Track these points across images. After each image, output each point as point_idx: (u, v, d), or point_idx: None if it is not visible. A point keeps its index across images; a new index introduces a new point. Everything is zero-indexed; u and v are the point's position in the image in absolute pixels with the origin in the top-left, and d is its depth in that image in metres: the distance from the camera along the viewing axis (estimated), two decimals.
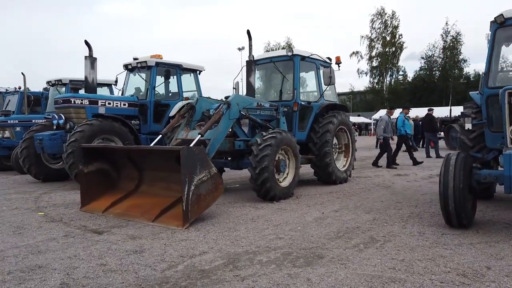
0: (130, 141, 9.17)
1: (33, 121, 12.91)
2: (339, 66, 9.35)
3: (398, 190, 8.05)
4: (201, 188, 5.38)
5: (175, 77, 11.52)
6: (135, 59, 11.10)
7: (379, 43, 60.89)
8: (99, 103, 9.92)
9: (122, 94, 11.33)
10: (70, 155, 8.42)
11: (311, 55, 8.88)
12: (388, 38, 60.41)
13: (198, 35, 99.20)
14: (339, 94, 15.90)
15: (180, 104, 11.18)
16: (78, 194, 8.02)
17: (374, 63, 61.74)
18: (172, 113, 11.03)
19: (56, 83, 13.35)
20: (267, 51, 61.09)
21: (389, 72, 63.02)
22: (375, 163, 13.02)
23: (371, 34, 60.83)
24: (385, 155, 12.85)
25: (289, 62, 8.70)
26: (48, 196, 7.97)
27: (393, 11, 60.14)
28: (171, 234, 4.87)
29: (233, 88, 10.04)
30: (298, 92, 8.47)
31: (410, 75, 65.25)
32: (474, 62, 65.61)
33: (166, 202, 5.87)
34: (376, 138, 21.25)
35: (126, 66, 11.34)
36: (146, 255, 4.06)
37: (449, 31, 58.07)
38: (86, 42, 9.74)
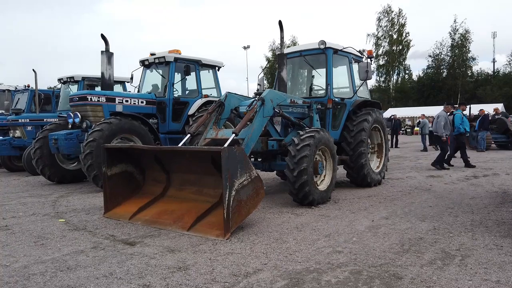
0: (160, 142, 8.66)
1: (45, 120, 12.41)
2: (371, 60, 8.76)
3: (441, 194, 7.46)
4: (241, 193, 4.82)
5: (193, 73, 10.98)
6: (152, 54, 10.57)
7: (385, 41, 60.14)
8: (117, 101, 9.40)
9: (138, 92, 10.80)
10: (88, 156, 7.89)
11: (344, 48, 8.29)
12: (394, 36, 59.62)
13: (200, 34, 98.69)
14: None
15: (199, 101, 10.65)
16: (97, 197, 7.54)
17: (381, 62, 61.00)
18: (191, 111, 10.50)
19: (68, 80, 12.84)
20: (272, 50, 60.37)
21: (395, 71, 62.25)
22: (448, 162, 12.14)
23: (378, 32, 60.06)
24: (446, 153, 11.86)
25: (321, 56, 8.12)
26: (66, 200, 7.44)
27: (400, 9, 59.41)
28: (213, 246, 4.32)
29: (258, 84, 9.49)
30: (331, 88, 7.89)
31: (414, 73, 64.43)
32: (482, 60, 64.77)
33: (200, 209, 5.33)
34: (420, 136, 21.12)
35: (142, 62, 10.81)
36: (192, 273, 3.51)
37: (457, 29, 57.24)
38: (103, 36, 9.22)
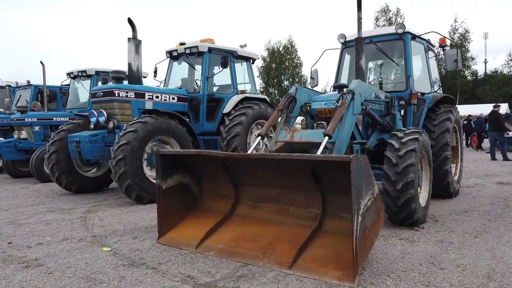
0: (198, 144, 7.34)
1: (54, 119, 10.98)
2: (444, 50, 7.53)
3: None
4: (366, 218, 3.52)
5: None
6: (182, 44, 9.23)
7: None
8: (146, 97, 8.04)
9: (164, 87, 9.45)
10: (121, 163, 6.54)
11: (420, 34, 7.04)
12: None
13: (196, 31, 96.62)
14: None
15: (236, 98, 9.33)
16: (133, 213, 6.21)
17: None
18: (227, 109, 9.19)
19: (79, 74, 11.43)
20: (268, 49, 58.78)
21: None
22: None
23: None
24: None
25: (397, 42, 6.86)
26: (96, 216, 6.08)
27: (397, 8, 58.51)
28: None
29: (311, 77, 8.18)
30: (412, 81, 6.62)
31: None
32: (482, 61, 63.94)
33: (295, 235, 4.06)
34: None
35: (170, 53, 9.46)
36: None
37: (457, 29, 56.76)
38: (130, 21, 7.87)
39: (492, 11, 75.14)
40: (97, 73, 11.35)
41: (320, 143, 4.75)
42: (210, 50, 9.00)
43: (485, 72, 58.35)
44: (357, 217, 3.32)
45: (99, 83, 11.42)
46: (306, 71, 55.33)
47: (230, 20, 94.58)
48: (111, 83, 10.79)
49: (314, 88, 7.64)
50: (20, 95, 14.07)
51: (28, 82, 13.55)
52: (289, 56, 55.96)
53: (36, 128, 10.61)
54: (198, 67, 9.20)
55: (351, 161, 3.24)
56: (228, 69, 9.39)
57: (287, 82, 53.90)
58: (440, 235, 4.77)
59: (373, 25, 58.99)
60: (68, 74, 11.81)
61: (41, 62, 10.78)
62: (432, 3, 77.24)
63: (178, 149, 7.46)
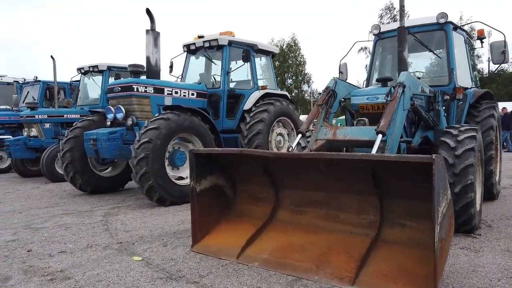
0: (221, 143, 6.92)
1: (65, 116, 10.55)
2: (482, 42, 7.07)
3: None
4: (442, 227, 3.07)
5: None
6: (200, 37, 8.77)
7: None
8: (165, 92, 7.60)
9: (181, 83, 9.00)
10: (143, 162, 6.10)
11: (462, 24, 6.57)
12: None
13: (195, 28, 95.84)
14: None
15: (257, 94, 8.89)
16: (157, 216, 5.77)
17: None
18: (247, 106, 8.74)
19: (91, 70, 11.00)
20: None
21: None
22: None
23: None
24: None
25: (437, 33, 6.40)
26: (118, 220, 5.64)
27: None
28: None
29: (340, 72, 7.72)
30: (456, 74, 6.16)
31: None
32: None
33: (352, 245, 3.61)
34: None
35: (187, 47, 9.01)
36: None
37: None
38: (148, 12, 7.42)
39: (497, 9, 74.22)
40: (109, 68, 10.91)
41: (368, 141, 4.31)
42: (230, 43, 8.55)
43: (489, 71, 57.83)
44: (436, 226, 2.88)
45: (111, 79, 10.99)
46: (309, 69, 54.85)
47: (233, 17, 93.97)
48: (122, 78, 10.42)
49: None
50: (28, 92, 13.65)
51: (36, 78, 13.11)
52: (292, 54, 55.53)
53: (47, 125, 10.17)
54: (217, 62, 8.74)
55: (434, 162, 2.79)
56: (247, 63, 8.95)
57: (291, 80, 53.43)
58: (503, 243, 4.31)
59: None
60: (79, 69, 11.38)
61: (51, 57, 10.35)
62: (437, 2, 76.55)
63: (200, 147, 7.02)
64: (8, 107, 14.49)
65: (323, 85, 13.87)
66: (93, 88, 11.56)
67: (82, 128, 7.68)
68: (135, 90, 7.08)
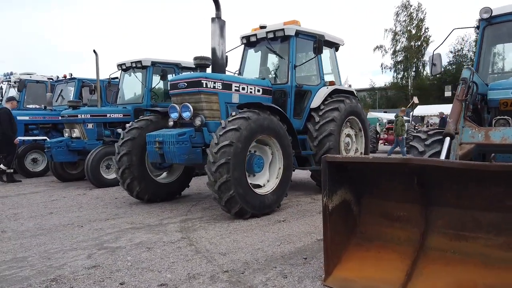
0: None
1: (108, 115, 9.77)
2: None
3: None
4: None
5: (309, 53, 8.32)
6: (262, 27, 7.89)
7: (404, 37, 57.23)
8: (233, 88, 6.74)
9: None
10: (223, 168, 5.27)
11: None
12: (413, 32, 56.88)
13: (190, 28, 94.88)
14: (358, 91, 12.81)
15: (325, 90, 7.99)
16: (241, 232, 4.90)
17: (399, 58, 58.11)
18: (315, 103, 7.86)
19: (133, 65, 10.20)
20: None
21: (413, 67, 59.48)
22: None
23: (395, 28, 57.04)
24: None
25: None
26: (202, 237, 4.80)
27: (419, 3, 56.57)
28: None
29: (432, 64, 6.76)
30: None
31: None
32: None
33: None
34: None
35: (247, 39, 8.13)
36: None
37: None
38: None
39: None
40: (153, 64, 10.09)
41: None
42: (298, 33, 7.65)
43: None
44: None
45: (155, 76, 10.19)
46: None
47: (233, 15, 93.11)
48: (171, 75, 9.60)
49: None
50: (62, 90, 12.96)
51: (71, 75, 12.38)
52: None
53: (90, 125, 9.38)
54: (284, 54, 7.85)
55: None
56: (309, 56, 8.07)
57: None
58: None
59: (393, 21, 57.07)
60: (120, 65, 10.58)
61: (94, 51, 9.57)
62: None
63: (279, 150, 6.16)
64: (38, 106, 13.83)
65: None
66: (134, 85, 10.78)
67: (139, 129, 6.87)
68: (204, 85, 6.23)
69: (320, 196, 7.23)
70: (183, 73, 7.48)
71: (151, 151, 6.22)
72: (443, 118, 17.29)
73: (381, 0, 78.49)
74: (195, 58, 6.47)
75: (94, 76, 12.31)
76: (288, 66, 7.54)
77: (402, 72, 59.29)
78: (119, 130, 9.98)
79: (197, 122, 6.16)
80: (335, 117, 7.62)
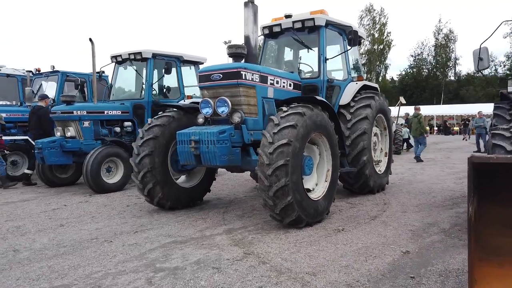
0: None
1: (106, 112, 8.75)
2: None
3: None
4: None
5: (337, 46, 7.79)
6: (287, 16, 7.26)
7: (367, 40, 58.80)
8: (268, 81, 6.04)
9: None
10: (281, 172, 4.60)
11: None
12: (376, 35, 58.69)
13: (179, 27, 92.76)
14: None
15: (354, 86, 7.49)
16: (305, 244, 4.18)
17: (362, 61, 59.66)
18: (344, 99, 7.33)
19: (132, 57, 9.26)
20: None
21: (376, 70, 61.31)
22: None
23: None
24: None
25: None
26: (269, 252, 4.08)
27: (382, 8, 58.50)
28: None
29: (479, 58, 6.38)
30: None
31: (395, 73, 64.32)
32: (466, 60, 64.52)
33: None
34: None
35: (269, 29, 7.45)
36: None
37: (441, 29, 57.38)
38: None
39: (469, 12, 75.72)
40: (154, 56, 9.19)
41: None
42: (328, 24, 7.07)
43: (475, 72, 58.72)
44: None
45: (156, 70, 9.30)
46: None
47: (215, 15, 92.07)
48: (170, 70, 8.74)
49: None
50: (41, 84, 11.67)
51: (53, 67, 11.14)
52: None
53: (86, 123, 8.32)
54: (314, 45, 7.24)
55: None
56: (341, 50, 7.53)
57: None
58: None
59: (357, 24, 58.41)
60: (114, 57, 9.57)
61: (90, 39, 8.52)
62: (416, 3, 77.38)
63: (328, 151, 5.54)
64: (8, 102, 12.46)
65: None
66: (131, 79, 9.82)
67: (161, 127, 6.02)
68: (243, 77, 5.49)
69: (355, 199, 6.80)
70: (216, 63, 6.63)
71: (184, 151, 5.39)
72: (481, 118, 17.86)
73: (346, 3, 79.92)
74: (230, 47, 5.71)
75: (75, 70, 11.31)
76: (319, 59, 6.93)
77: (365, 75, 60.68)
78: (117, 129, 9.07)
79: (236, 118, 5.41)
80: (368, 114, 7.10)
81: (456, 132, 40.20)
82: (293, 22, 7.09)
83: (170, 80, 9.95)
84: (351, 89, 7.39)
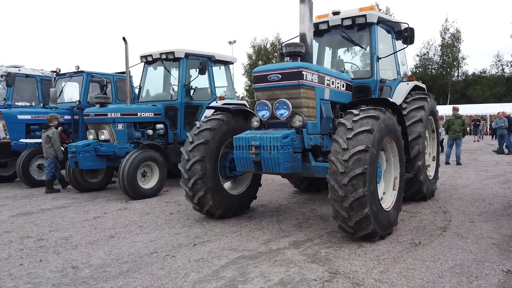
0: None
1: (138, 114, 8.40)
2: None
3: None
4: None
5: (387, 44, 7.39)
6: (335, 13, 6.87)
7: None
8: (325, 82, 5.66)
9: None
10: (359, 180, 4.28)
11: None
12: None
13: (185, 27, 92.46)
14: None
15: (406, 86, 7.13)
16: (393, 260, 3.76)
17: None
18: (397, 101, 6.86)
19: (163, 57, 8.92)
20: (253, 46, 55.52)
21: None
22: None
23: None
24: None
25: None
26: (363, 273, 3.71)
27: (387, 7, 57.88)
28: None
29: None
30: None
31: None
32: (472, 60, 63.56)
33: None
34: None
35: (316, 27, 7.03)
36: None
37: (448, 28, 56.73)
38: None
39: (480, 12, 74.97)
40: (187, 55, 8.84)
41: None
42: (380, 21, 6.69)
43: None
44: None
45: (190, 71, 8.96)
46: None
47: (215, 17, 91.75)
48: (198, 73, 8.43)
49: None
50: (64, 85, 11.35)
51: (78, 67, 10.82)
52: (276, 54, 53.48)
53: (120, 126, 7.97)
54: (365, 44, 6.86)
55: None
56: (391, 49, 7.14)
57: None
58: None
59: None
60: (144, 57, 9.24)
61: (123, 38, 8.16)
62: (422, 2, 76.67)
63: (396, 157, 5.16)
64: (28, 104, 12.16)
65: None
66: (161, 80, 9.48)
67: (211, 131, 5.66)
68: (305, 78, 5.10)
69: (409, 207, 6.40)
70: (273, 63, 6.22)
71: (242, 157, 5.00)
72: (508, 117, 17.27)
73: (352, 2, 79.28)
74: (288, 45, 5.33)
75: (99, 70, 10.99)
76: (371, 58, 6.55)
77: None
78: (150, 131, 8.73)
79: (297, 122, 5.03)
80: (422, 117, 6.71)
81: (467, 133, 39.47)
82: (342, 19, 6.71)
83: (200, 81, 9.60)
84: (403, 89, 7.01)
